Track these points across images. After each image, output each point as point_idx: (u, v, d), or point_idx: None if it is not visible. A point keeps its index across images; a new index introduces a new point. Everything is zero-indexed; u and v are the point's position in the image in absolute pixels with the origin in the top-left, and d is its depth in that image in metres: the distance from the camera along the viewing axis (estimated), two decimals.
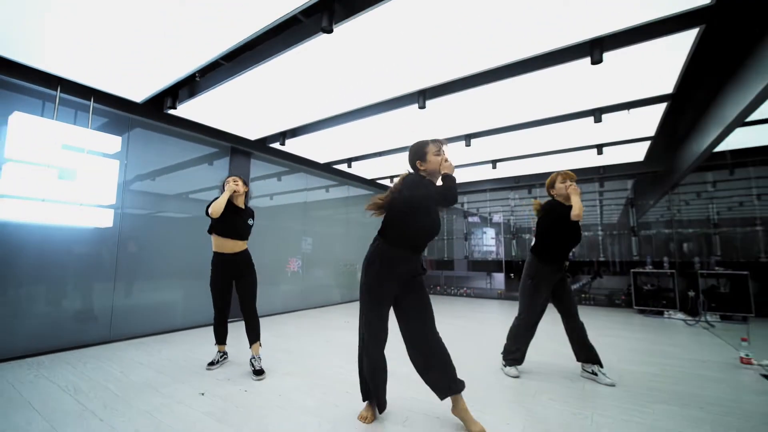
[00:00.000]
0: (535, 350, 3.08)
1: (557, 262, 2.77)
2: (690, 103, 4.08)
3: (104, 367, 2.92)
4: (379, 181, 7.75)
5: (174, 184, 4.58)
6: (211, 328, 3.11)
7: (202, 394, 2.38)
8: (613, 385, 2.54)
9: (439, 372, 1.93)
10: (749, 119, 3.53)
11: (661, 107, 3.90)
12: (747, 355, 3.02)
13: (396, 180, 2.12)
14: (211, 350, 3.30)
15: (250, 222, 3.03)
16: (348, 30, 2.60)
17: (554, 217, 2.75)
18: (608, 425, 1.96)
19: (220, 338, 3.02)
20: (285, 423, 1.99)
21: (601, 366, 2.68)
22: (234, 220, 2.90)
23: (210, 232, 2.92)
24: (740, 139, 4.57)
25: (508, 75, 3.23)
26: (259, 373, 2.69)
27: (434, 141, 2.11)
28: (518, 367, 2.84)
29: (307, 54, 2.96)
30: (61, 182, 3.25)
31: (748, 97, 3.02)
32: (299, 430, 1.91)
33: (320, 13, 2.45)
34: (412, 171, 2.13)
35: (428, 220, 1.98)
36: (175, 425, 1.94)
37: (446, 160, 2.06)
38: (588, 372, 2.70)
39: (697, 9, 2.38)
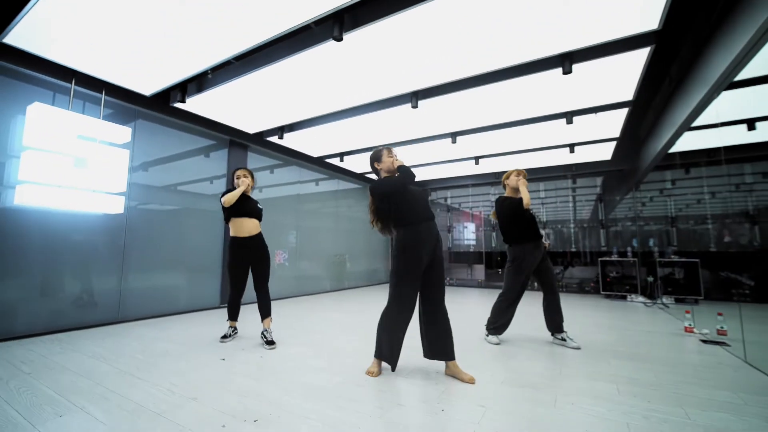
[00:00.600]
0: (517, 327, 3.51)
1: (530, 241, 3.18)
2: (649, 107, 4.63)
3: (123, 341, 3.17)
4: (368, 175, 8.07)
5: (175, 174, 4.79)
6: (215, 311, 3.39)
7: (223, 359, 2.68)
8: (578, 348, 2.99)
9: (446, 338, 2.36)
10: (695, 124, 4.08)
11: (624, 111, 4.41)
12: (689, 325, 3.55)
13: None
14: (219, 330, 3.59)
15: (259, 206, 3.32)
16: (353, 38, 2.93)
17: (507, 212, 3.25)
18: (574, 375, 2.39)
19: (234, 315, 3.32)
20: (302, 377, 2.32)
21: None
22: (248, 203, 3.20)
23: (227, 219, 3.19)
24: (690, 141, 5.15)
25: (492, 80, 3.64)
26: (271, 343, 3.02)
27: (387, 147, 2.64)
28: (499, 337, 3.26)
29: (313, 57, 3.27)
30: (75, 170, 3.43)
31: (691, 105, 3.54)
32: (315, 381, 2.25)
33: (332, 22, 2.76)
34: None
35: (408, 194, 2.42)
36: (206, 382, 2.25)
37: (396, 159, 2.56)
38: (558, 339, 3.16)
39: (648, 32, 2.84)
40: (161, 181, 4.61)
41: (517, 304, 3.29)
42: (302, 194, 6.95)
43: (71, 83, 3.55)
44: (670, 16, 2.68)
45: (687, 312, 3.67)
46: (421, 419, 1.76)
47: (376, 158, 2.64)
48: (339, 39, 2.74)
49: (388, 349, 2.38)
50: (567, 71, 3.18)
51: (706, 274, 5.96)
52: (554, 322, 3.19)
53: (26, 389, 2.06)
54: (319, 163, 6.90)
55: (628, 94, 3.94)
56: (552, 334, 3.23)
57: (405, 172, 2.43)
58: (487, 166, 7.08)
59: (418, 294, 2.40)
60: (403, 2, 2.58)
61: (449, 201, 9.26)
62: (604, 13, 2.66)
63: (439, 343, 2.37)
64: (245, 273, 3.23)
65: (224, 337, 3.23)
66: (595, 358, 2.76)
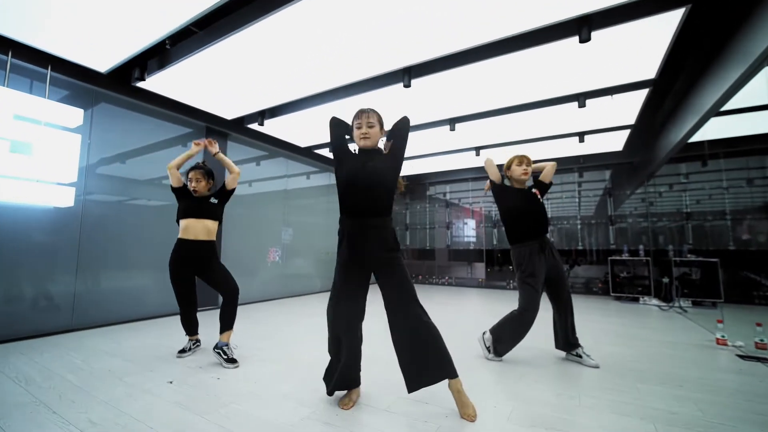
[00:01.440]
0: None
1: (531, 240, 2.67)
2: (669, 91, 4.14)
3: (64, 356, 2.71)
4: None
5: (143, 166, 4.30)
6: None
7: (171, 383, 2.22)
8: (597, 367, 2.53)
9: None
10: (724, 108, 3.59)
11: (643, 94, 3.93)
12: (722, 337, 3.09)
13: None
14: (183, 339, 3.12)
15: (213, 201, 2.82)
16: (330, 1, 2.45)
17: (504, 204, 2.79)
18: (597, 406, 1.93)
19: (190, 330, 2.85)
20: (260, 409, 1.86)
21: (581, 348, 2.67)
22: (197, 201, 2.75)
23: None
24: (714, 129, 4.66)
25: (495, 53, 3.16)
26: (231, 361, 2.53)
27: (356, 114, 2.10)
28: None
29: (288, 23, 2.78)
30: (13, 156, 2.96)
31: (725, 85, 3.06)
32: (274, 415, 1.79)
33: None
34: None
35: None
36: (137, 415, 1.78)
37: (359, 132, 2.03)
38: (573, 355, 2.69)
39: None
40: (128, 173, 4.13)
41: (531, 325, 2.67)
42: (290, 189, 6.47)
43: (8, 56, 3.06)
44: None
45: (719, 321, 3.20)
46: None
47: (349, 132, 2.15)
48: None
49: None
50: (585, 39, 2.69)
51: (724, 274, 5.51)
52: (566, 340, 2.70)
53: None
54: (308, 154, 6.41)
55: (651, 72, 3.46)
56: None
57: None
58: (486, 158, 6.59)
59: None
60: None
61: (448, 196, 8.77)
62: None
63: (419, 364, 1.80)
64: (192, 284, 2.77)
65: (182, 351, 2.77)
66: (617, 380, 2.30)
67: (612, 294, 5.98)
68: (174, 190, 2.82)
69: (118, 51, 3.22)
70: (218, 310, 2.70)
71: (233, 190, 2.89)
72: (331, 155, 6.50)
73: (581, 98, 3.90)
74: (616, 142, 5.68)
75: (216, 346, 2.58)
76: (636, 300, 5.72)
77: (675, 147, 4.55)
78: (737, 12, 2.80)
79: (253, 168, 5.86)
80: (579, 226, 7.33)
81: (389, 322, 1.88)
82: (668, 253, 6.00)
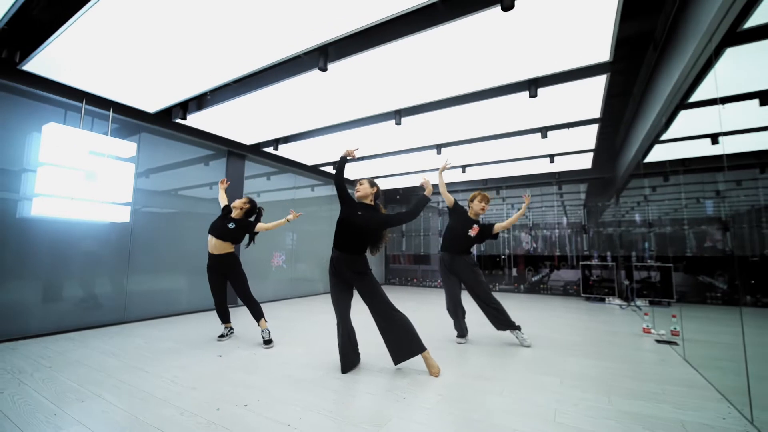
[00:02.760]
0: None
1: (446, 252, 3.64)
2: (621, 121, 4.95)
3: (129, 340, 3.49)
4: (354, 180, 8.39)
5: (177, 182, 5.12)
6: (214, 312, 3.70)
7: (220, 356, 3.00)
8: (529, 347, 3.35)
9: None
10: (665, 138, 4.41)
11: (595, 126, 4.73)
12: (647, 326, 3.88)
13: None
14: (217, 330, 3.92)
15: (230, 225, 3.55)
16: (339, 66, 3.26)
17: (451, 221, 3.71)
18: (524, 370, 2.71)
19: (223, 318, 3.68)
20: (288, 371, 2.65)
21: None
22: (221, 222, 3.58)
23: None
24: (661, 153, 5.46)
25: (469, 100, 3.97)
26: (267, 342, 3.34)
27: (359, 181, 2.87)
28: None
29: (303, 81, 3.59)
30: (86, 183, 3.76)
31: (649, 120, 3.86)
32: (299, 374, 2.58)
33: (317, 53, 3.09)
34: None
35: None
36: (208, 372, 2.57)
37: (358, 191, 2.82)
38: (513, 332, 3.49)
39: (602, 63, 3.16)
40: (164, 188, 4.94)
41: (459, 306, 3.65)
42: (297, 199, 7.28)
43: (82, 103, 3.88)
44: (619, 49, 3.00)
45: (646, 314, 3.99)
46: (384, 404, 2.09)
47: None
48: (324, 69, 3.07)
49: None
50: (533, 95, 3.50)
51: (684, 278, 6.29)
52: (500, 322, 3.51)
53: (50, 380, 2.39)
54: (313, 170, 7.23)
55: (595, 113, 4.27)
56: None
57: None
58: (474, 174, 7.40)
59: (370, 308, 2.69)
60: (383, 37, 2.90)
61: (440, 206, 9.58)
62: (562, 45, 2.98)
63: (396, 345, 2.62)
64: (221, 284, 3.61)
65: (221, 336, 3.56)
66: (557, 356, 3.08)
67: (583, 295, 6.77)
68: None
69: (167, 97, 4.03)
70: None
71: (257, 232, 3.65)
72: (333, 171, 7.33)
73: (543, 131, 4.71)
74: (585, 162, 6.49)
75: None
76: (603, 300, 6.50)
77: (629, 167, 5.36)
78: (648, 69, 3.61)
79: (263, 182, 6.67)
80: (558, 234, 8.12)
81: (372, 317, 2.69)
82: (631, 259, 6.79)
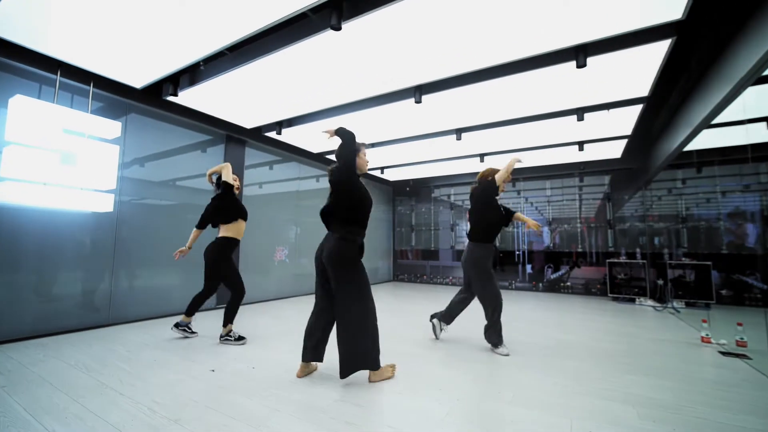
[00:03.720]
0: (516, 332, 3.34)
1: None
2: (664, 105, 4.41)
3: (110, 348, 3.02)
4: (370, 172, 7.88)
5: (169, 170, 4.62)
6: (210, 312, 3.28)
7: (213, 371, 2.52)
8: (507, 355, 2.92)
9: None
10: (715, 122, 3.87)
11: (638, 108, 4.19)
12: (707, 335, 3.37)
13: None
14: (213, 333, 3.45)
15: None
16: (353, 27, 2.73)
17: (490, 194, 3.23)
18: (587, 392, 2.22)
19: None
20: (296, 393, 2.17)
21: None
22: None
23: (236, 218, 3.27)
24: (707, 140, 4.93)
25: (500, 74, 3.44)
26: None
27: (363, 144, 2.57)
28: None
29: (311, 48, 3.07)
30: (62, 166, 3.27)
31: (713, 102, 3.33)
32: (309, 399, 2.10)
33: (329, 10, 2.57)
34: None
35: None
36: (197, 396, 2.09)
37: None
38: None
39: (669, 23, 2.63)
40: (154, 177, 4.44)
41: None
42: (301, 191, 6.78)
43: (56, 74, 3.37)
44: (695, 5, 2.47)
45: (704, 321, 3.49)
46: None
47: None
48: (337, 28, 2.55)
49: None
50: (581, 65, 2.97)
51: (717, 277, 5.79)
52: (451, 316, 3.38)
53: None
54: (319, 159, 6.71)
55: (644, 90, 3.73)
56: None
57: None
58: (492, 164, 6.86)
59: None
60: None
61: (452, 198, 9.07)
62: (623, 0, 2.45)
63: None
64: None
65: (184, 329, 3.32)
66: (606, 372, 2.59)
67: (610, 295, 6.26)
68: (230, 189, 3.29)
69: (155, 70, 3.52)
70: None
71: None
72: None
73: (579, 112, 4.18)
74: (615, 150, 5.95)
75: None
76: (632, 301, 5.99)
77: (670, 156, 4.82)
78: (722, 38, 3.07)
79: (266, 171, 6.16)
80: (579, 229, 7.60)
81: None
82: (663, 256, 6.27)
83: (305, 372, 2.44)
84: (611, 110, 4.16)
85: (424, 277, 9.08)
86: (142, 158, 4.28)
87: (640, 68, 3.31)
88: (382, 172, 7.75)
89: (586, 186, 7.69)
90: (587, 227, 7.58)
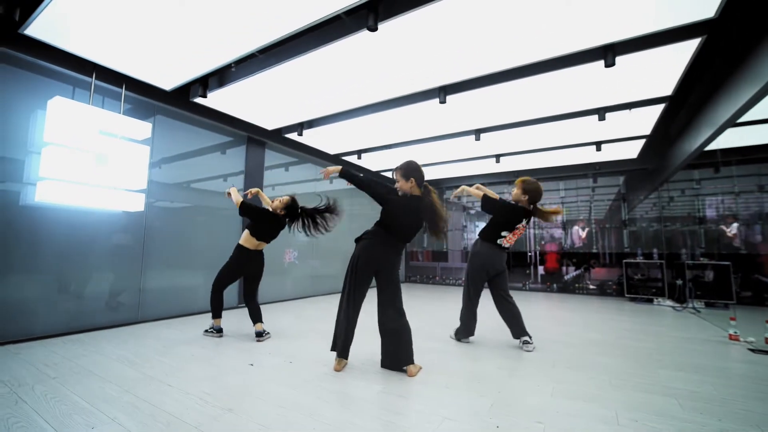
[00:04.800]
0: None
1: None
2: (684, 105, 4.43)
3: (146, 344, 3.07)
4: (384, 173, 7.94)
5: (193, 171, 4.70)
6: (233, 311, 3.37)
7: (252, 365, 2.57)
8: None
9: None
10: (739, 121, 3.88)
11: (659, 108, 4.22)
12: (735, 332, 3.38)
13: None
14: (239, 331, 3.50)
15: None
16: (385, 29, 2.79)
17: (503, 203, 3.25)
18: (623, 385, 2.24)
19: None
20: (339, 386, 2.21)
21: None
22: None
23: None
24: (728, 139, 4.94)
25: (526, 74, 3.48)
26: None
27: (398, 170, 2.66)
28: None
29: (340, 50, 3.13)
30: (97, 166, 3.34)
31: (740, 101, 3.34)
32: (353, 390, 2.13)
33: (365, 11, 2.63)
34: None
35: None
36: (243, 388, 2.14)
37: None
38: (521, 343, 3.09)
39: (701, 21, 2.66)
40: (178, 178, 4.52)
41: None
42: (319, 192, 6.83)
43: (92, 77, 3.46)
44: (728, 3, 2.50)
45: (732, 319, 3.49)
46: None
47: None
48: (374, 29, 2.61)
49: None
50: (610, 64, 3.01)
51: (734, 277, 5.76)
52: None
53: (53, 396, 1.97)
54: (336, 160, 6.78)
55: (668, 89, 3.76)
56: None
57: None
58: (507, 165, 6.90)
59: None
60: None
61: (464, 200, 9.09)
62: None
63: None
64: None
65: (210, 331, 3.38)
66: (640, 367, 2.61)
67: (627, 295, 6.25)
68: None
69: (185, 72, 3.60)
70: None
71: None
72: (358, 161, 6.84)
73: (601, 112, 4.21)
74: (632, 150, 5.96)
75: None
76: (650, 301, 5.98)
77: (690, 156, 4.83)
78: (748, 39, 3.09)
79: (281, 173, 6.23)
80: (594, 230, 7.60)
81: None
82: (681, 256, 6.26)
83: (342, 366, 2.48)
84: (633, 110, 4.19)
85: (436, 278, 9.09)
86: (167, 159, 4.36)
87: (666, 67, 3.34)
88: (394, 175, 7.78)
89: (599, 187, 7.69)
90: (601, 228, 7.58)
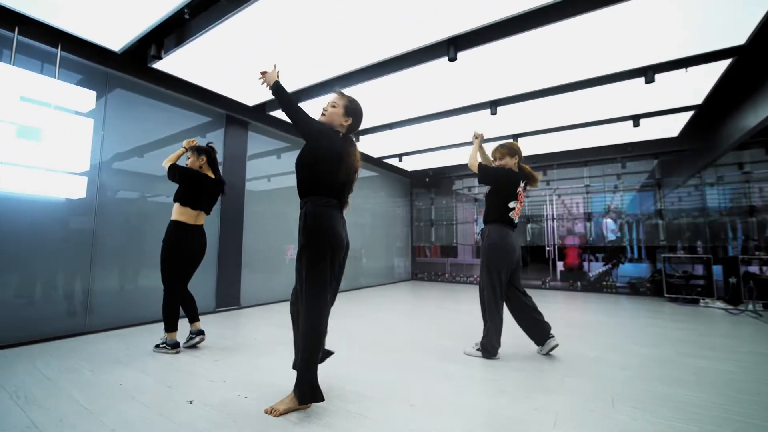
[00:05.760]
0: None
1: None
2: (756, 61, 3.58)
3: (73, 366, 2.40)
4: (386, 160, 7.19)
5: (160, 159, 4.01)
6: (209, 316, 2.69)
7: (191, 402, 1.87)
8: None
9: None
10: None
11: (722, 65, 3.39)
12: None
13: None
14: (211, 343, 2.82)
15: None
16: None
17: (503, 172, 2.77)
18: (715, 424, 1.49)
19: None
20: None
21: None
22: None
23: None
24: None
25: (554, 19, 2.70)
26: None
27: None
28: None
29: None
30: (20, 141, 2.68)
31: None
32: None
33: None
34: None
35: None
36: None
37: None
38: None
39: None
40: (144, 166, 3.83)
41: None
42: None
43: (14, 32, 2.78)
44: None
45: None
46: None
47: None
48: None
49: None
50: None
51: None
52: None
53: None
54: None
55: (740, 38, 2.94)
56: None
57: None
58: (525, 148, 6.08)
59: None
60: None
61: (476, 190, 8.31)
62: None
63: None
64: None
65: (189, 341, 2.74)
66: (735, 406, 1.84)
67: (666, 295, 5.43)
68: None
69: (132, 25, 2.91)
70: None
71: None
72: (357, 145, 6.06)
73: (649, 72, 3.40)
74: (673, 127, 5.12)
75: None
76: (695, 302, 5.16)
77: (752, 129, 3.99)
78: None
79: (272, 161, 5.53)
80: (624, 221, 6.76)
81: None
82: (730, 251, 5.41)
83: None
84: (689, 69, 3.38)
85: (446, 275, 8.35)
86: (128, 142, 3.67)
87: (745, 3, 2.54)
88: (401, 160, 7.04)
89: (628, 173, 6.81)
90: (633, 219, 6.73)
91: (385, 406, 1.82)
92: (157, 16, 2.77)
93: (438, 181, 8.47)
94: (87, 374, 2.24)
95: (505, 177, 2.71)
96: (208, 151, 2.88)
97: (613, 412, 1.77)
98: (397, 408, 1.79)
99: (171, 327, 2.67)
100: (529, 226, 7.57)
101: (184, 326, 2.90)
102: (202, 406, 1.80)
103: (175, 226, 2.68)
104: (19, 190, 2.73)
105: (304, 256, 1.75)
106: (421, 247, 8.91)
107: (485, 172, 2.75)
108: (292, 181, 5.74)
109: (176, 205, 2.71)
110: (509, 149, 2.75)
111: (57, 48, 3.01)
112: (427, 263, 8.78)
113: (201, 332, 2.78)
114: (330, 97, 1.97)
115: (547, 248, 7.46)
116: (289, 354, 2.23)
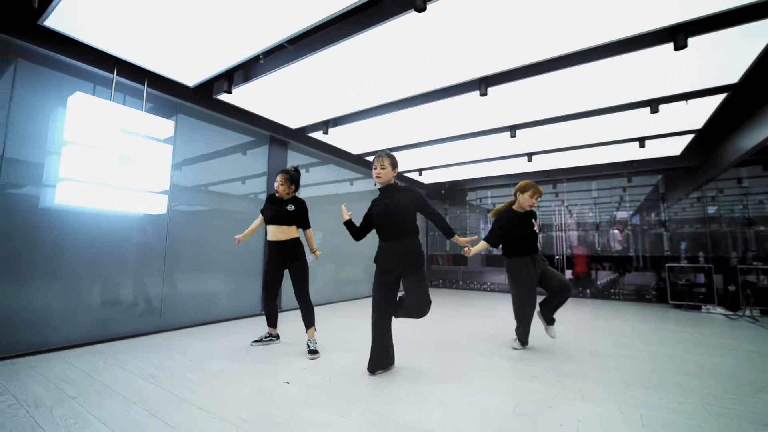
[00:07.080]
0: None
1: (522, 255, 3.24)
2: (747, 95, 4.04)
3: (169, 356, 2.85)
4: (407, 174, 7.67)
5: (215, 173, 4.50)
6: (255, 318, 3.27)
7: (288, 383, 2.31)
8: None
9: None
10: None
11: (718, 99, 3.86)
12: None
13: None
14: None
15: (289, 208, 3.18)
16: (434, 9, 2.52)
17: (501, 224, 3.30)
18: (723, 414, 1.91)
19: (273, 320, 3.29)
20: (389, 410, 1.93)
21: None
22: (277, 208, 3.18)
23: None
24: None
25: (575, 62, 3.17)
26: (313, 352, 2.92)
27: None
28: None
29: (375, 37, 2.88)
30: (119, 167, 3.15)
31: None
32: (408, 416, 1.86)
33: None
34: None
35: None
36: (280, 410, 1.88)
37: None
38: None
39: None
40: (200, 180, 4.32)
41: (530, 310, 3.23)
42: (341, 194, 6.61)
43: (113, 73, 3.28)
44: None
45: None
46: None
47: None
48: (422, 9, 2.35)
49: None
50: (681, 46, 2.69)
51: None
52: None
53: (74, 421, 1.74)
54: (358, 161, 6.53)
55: (734, 77, 3.41)
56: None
57: None
58: (539, 164, 6.56)
59: None
60: None
61: (489, 201, 8.76)
62: None
63: None
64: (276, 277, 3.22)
65: (257, 341, 3.23)
66: (734, 390, 2.26)
67: (671, 302, 5.83)
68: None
69: (211, 65, 3.40)
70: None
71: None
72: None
73: (654, 104, 3.87)
74: (675, 147, 5.58)
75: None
76: (697, 308, 5.56)
77: (749, 151, 4.44)
78: None
79: (303, 174, 5.98)
80: (631, 232, 7.18)
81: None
82: (730, 260, 5.82)
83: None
84: (689, 101, 3.84)
85: (460, 282, 8.76)
86: (187, 160, 4.16)
87: (737, 51, 3.00)
88: (420, 174, 7.52)
89: (633, 187, 7.25)
90: (639, 230, 7.15)
91: (442, 385, 2.25)
92: (236, 59, 3.26)
93: (453, 192, 8.93)
94: (187, 363, 2.69)
95: (511, 225, 3.27)
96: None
97: (629, 391, 2.20)
98: (452, 385, 2.22)
99: (270, 323, 3.27)
100: (539, 236, 7.99)
101: (243, 327, 3.34)
102: (297, 386, 2.25)
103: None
104: (116, 207, 3.20)
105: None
106: (434, 255, 9.34)
107: (492, 237, 3.35)
108: (316, 191, 6.23)
109: (295, 228, 3.22)
110: (532, 191, 3.22)
111: (143, 84, 3.51)
112: (441, 270, 9.20)
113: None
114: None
115: (557, 257, 7.87)
116: (332, 347, 2.67)
